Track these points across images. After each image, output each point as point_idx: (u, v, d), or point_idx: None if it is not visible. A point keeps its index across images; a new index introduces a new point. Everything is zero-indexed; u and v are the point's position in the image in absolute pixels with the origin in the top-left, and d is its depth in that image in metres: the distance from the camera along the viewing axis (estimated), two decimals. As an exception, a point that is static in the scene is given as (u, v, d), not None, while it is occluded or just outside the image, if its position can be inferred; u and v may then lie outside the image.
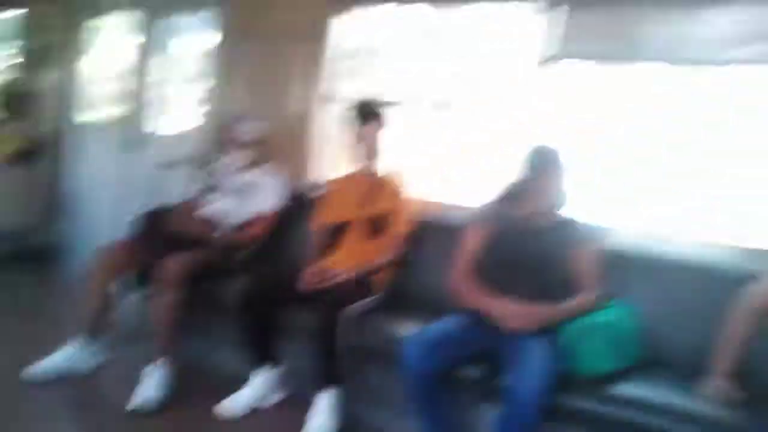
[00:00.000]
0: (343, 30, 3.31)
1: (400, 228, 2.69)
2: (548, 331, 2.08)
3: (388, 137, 2.78)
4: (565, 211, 2.34)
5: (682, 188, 2.60)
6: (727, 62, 2.44)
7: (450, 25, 3.11)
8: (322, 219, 2.82)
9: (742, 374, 1.93)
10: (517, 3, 2.88)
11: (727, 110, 2.50)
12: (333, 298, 2.35)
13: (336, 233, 2.73)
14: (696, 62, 2.52)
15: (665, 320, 2.22)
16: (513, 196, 2.37)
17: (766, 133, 2.43)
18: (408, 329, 2.28)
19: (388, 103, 2.93)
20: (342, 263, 2.56)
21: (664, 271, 2.32)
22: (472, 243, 2.36)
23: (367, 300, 2.51)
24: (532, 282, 2.18)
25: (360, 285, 2.51)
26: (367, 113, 2.74)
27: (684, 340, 2.17)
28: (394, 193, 2.73)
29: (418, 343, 2.11)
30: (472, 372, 2.12)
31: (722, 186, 2.52)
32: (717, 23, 2.41)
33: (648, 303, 2.24)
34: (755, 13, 2.34)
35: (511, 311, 2.11)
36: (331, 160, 3.32)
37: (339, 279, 2.45)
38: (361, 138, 2.74)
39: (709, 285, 2.20)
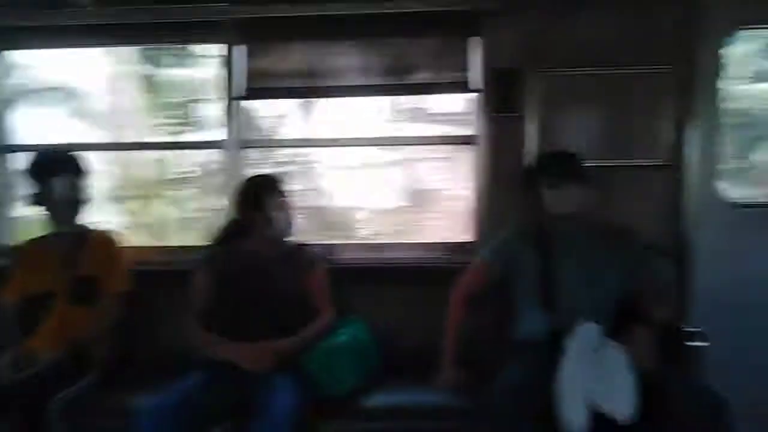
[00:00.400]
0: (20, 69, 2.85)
1: (116, 287, 2.38)
2: (293, 363, 2.04)
3: (89, 187, 2.44)
4: (293, 238, 2.34)
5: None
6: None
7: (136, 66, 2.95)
8: (13, 293, 2.35)
9: (468, 359, 2.16)
10: (201, 44, 2.84)
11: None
12: (38, 388, 1.98)
13: (36, 307, 2.29)
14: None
15: (397, 325, 2.37)
16: (235, 231, 2.30)
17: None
18: (143, 399, 2.02)
19: (82, 150, 2.58)
20: (47, 342, 2.18)
21: (386, 278, 2.49)
22: (199, 288, 2.22)
23: (86, 378, 2.17)
24: (271, 317, 2.13)
25: (74, 363, 2.16)
26: (60, 164, 2.38)
27: (417, 339, 2.33)
28: (103, 250, 2.40)
29: (156, 411, 1.88)
30: (223, 428, 1.97)
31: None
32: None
33: (379, 311, 2.37)
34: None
35: (249, 353, 2.03)
36: (14, 221, 2.81)
37: (44, 362, 2.08)
38: (55, 192, 2.35)
39: (428, 283, 2.42)
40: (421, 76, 2.66)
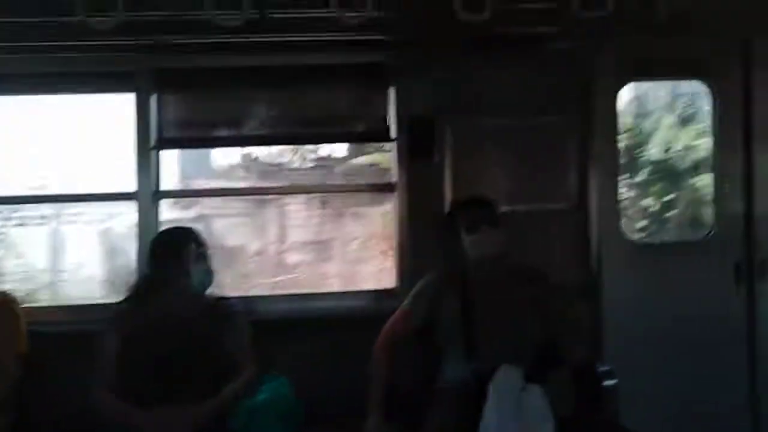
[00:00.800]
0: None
1: (14, 349, 2.20)
2: (214, 426, 1.95)
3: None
4: (212, 291, 2.26)
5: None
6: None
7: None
8: None
9: (394, 407, 2.13)
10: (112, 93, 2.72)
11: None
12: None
13: None
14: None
15: (322, 377, 2.32)
16: (148, 287, 2.18)
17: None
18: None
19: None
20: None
21: (308, 329, 2.44)
22: (108, 351, 2.07)
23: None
24: (188, 378, 2.01)
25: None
26: None
27: (342, 391, 2.25)
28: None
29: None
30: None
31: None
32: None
33: (300, 365, 2.31)
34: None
35: (164, 420, 1.91)
36: None
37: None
38: None
39: (351, 332, 2.38)
40: (340, 125, 2.69)
